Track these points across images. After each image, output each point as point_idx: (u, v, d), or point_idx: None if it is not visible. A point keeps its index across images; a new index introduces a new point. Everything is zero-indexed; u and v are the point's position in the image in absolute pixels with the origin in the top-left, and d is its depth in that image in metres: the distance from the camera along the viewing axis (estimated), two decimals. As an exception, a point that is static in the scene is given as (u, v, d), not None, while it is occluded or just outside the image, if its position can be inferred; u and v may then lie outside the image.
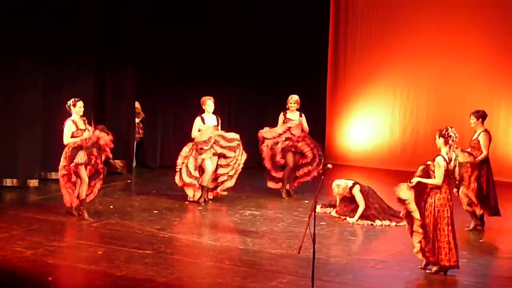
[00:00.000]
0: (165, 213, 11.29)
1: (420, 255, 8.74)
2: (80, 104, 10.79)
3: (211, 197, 12.21)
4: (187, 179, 11.87)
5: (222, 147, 11.98)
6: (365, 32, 16.31)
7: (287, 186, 12.52)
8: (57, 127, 11.26)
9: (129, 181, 14.08)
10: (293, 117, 12.52)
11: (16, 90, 12.79)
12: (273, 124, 12.70)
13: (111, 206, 11.57)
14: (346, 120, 16.50)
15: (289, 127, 12.43)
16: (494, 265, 9.62)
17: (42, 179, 13.13)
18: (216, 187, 12.23)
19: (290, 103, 12.50)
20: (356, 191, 11.18)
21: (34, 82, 12.96)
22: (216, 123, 12.12)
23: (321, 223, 10.57)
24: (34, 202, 11.95)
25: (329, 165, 8.51)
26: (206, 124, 12.02)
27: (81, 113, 10.84)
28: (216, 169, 12.11)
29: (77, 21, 13.50)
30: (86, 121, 10.97)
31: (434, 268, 8.71)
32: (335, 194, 11.45)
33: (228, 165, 12.12)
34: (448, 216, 8.62)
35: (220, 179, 12.17)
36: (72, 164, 10.57)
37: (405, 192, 8.71)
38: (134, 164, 14.90)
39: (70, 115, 10.83)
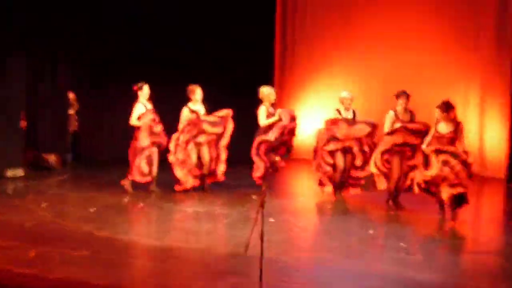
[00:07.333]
0: (103, 211, 11.20)
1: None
2: (146, 87, 12.22)
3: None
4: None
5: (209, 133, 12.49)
6: (314, 20, 16.39)
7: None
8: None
9: (63, 177, 13.96)
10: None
11: None
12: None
13: (45, 204, 11.43)
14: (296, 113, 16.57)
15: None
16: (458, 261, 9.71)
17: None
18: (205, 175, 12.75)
19: (273, 95, 12.68)
20: None
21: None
22: (204, 113, 12.45)
23: (269, 219, 10.53)
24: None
25: (277, 158, 8.48)
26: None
27: (147, 97, 12.21)
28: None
29: (10, 7, 13.55)
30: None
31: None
32: None
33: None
34: None
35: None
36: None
37: None
38: (69, 158, 14.76)
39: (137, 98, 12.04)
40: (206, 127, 12.46)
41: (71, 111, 14.69)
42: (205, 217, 11.07)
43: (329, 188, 12.56)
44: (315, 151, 12.51)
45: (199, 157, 12.64)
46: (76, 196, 12.27)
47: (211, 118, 12.55)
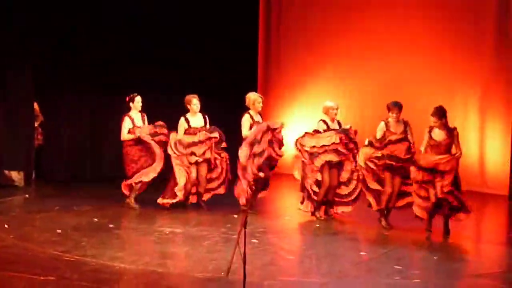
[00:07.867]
0: (70, 232, 11.06)
1: None
2: (138, 99, 12.38)
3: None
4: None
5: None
6: (302, 28, 16.53)
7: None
8: None
9: (27, 195, 13.88)
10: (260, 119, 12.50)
11: None
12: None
13: (7, 226, 11.30)
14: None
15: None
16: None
17: None
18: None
19: (259, 103, 12.45)
20: None
21: None
22: (203, 124, 12.40)
23: (252, 240, 10.46)
24: None
25: (261, 174, 8.37)
26: (192, 125, 12.32)
27: (139, 108, 12.36)
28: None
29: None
30: (144, 117, 12.45)
31: None
32: None
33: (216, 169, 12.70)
34: None
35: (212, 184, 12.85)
36: None
37: None
38: (33, 175, 14.61)
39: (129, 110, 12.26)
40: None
41: (35, 124, 14.57)
42: (183, 239, 10.91)
43: (308, 207, 12.43)
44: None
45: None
46: (41, 216, 12.10)
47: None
